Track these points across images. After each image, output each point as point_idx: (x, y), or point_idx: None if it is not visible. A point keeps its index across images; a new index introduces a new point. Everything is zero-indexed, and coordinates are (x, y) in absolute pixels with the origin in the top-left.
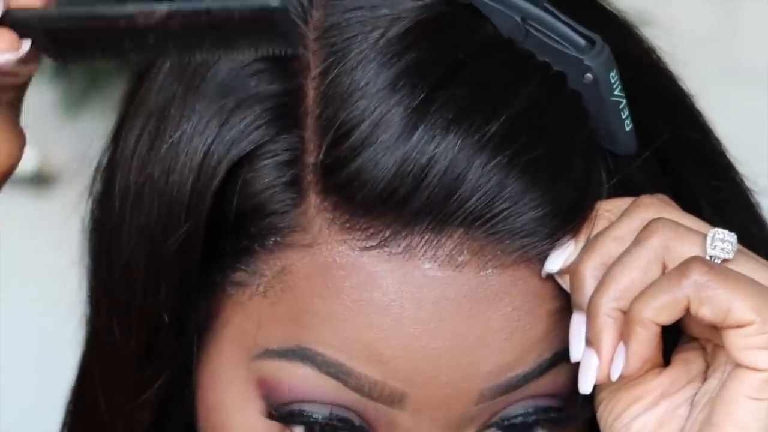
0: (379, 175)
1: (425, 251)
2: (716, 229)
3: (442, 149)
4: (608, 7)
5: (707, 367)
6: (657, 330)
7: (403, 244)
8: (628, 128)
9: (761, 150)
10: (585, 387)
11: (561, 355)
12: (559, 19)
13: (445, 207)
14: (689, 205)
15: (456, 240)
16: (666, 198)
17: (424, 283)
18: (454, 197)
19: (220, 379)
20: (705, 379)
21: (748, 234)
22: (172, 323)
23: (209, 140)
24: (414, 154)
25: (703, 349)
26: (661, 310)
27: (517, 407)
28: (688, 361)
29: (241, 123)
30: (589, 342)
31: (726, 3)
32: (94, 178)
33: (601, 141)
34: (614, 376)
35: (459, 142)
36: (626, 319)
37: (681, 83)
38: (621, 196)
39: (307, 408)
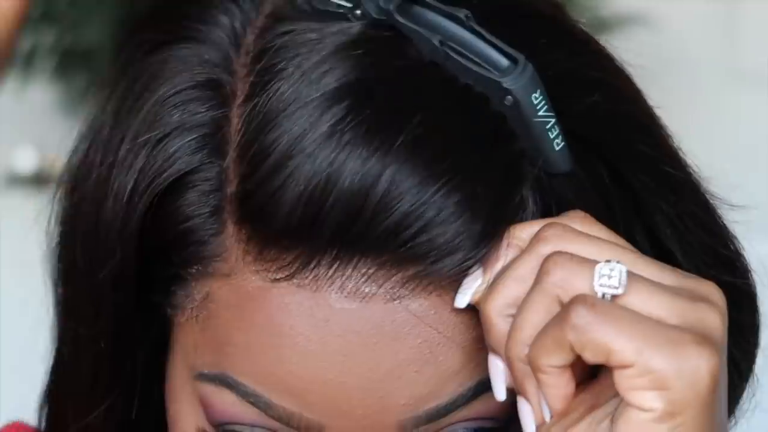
0: (284, 204)
1: (332, 282)
2: (601, 263)
3: (344, 174)
4: (561, 20)
5: None
6: (560, 371)
7: (311, 276)
8: (558, 147)
9: (761, 150)
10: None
11: (489, 383)
12: (484, 39)
13: (350, 233)
14: (646, 222)
15: (363, 270)
16: (578, 219)
17: (331, 315)
18: (358, 222)
19: (174, 392)
20: None
21: (709, 251)
22: (115, 349)
23: (137, 170)
24: (317, 181)
25: None
26: (551, 355)
27: (453, 429)
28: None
29: (165, 153)
30: (517, 391)
31: (726, 3)
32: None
33: (533, 161)
34: (546, 418)
35: (363, 165)
36: (530, 366)
37: (639, 95)
38: (557, 215)
39: (238, 429)
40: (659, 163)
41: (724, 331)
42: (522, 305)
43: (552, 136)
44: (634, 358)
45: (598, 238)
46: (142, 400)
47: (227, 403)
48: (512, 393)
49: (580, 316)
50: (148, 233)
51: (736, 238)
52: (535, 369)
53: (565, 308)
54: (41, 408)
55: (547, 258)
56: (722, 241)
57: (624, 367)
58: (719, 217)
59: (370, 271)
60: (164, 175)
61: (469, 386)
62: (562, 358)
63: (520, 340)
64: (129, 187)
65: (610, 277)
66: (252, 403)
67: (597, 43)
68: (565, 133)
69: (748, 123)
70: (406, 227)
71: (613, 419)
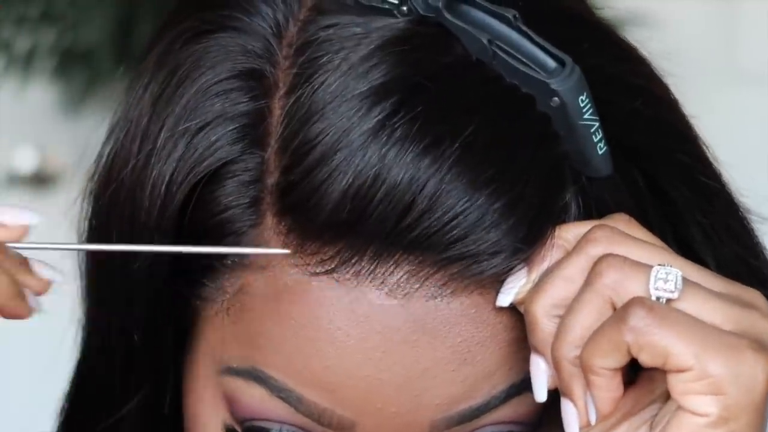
0: (330, 197)
1: (373, 278)
2: (658, 267)
3: (393, 170)
4: (604, 25)
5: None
6: (612, 373)
7: (352, 271)
8: (601, 151)
9: (761, 150)
10: None
11: (521, 386)
12: (532, 40)
13: (394, 231)
14: (680, 231)
15: (405, 267)
16: (622, 222)
17: (371, 311)
18: (404, 220)
19: (196, 390)
20: (667, 398)
21: (742, 261)
22: (147, 340)
23: (176, 159)
24: (363, 177)
25: None
26: (606, 356)
27: None
28: (653, 380)
29: (206, 142)
30: (562, 392)
31: (726, 3)
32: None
33: (575, 164)
34: (592, 421)
35: (409, 163)
36: (582, 367)
37: (678, 105)
38: (598, 219)
39: (265, 425)
40: (695, 172)
41: None
42: (572, 306)
43: (596, 140)
44: (691, 362)
45: (647, 242)
46: (173, 393)
47: (256, 399)
48: (550, 393)
49: (639, 318)
50: (185, 223)
51: (765, 248)
52: (587, 370)
53: (623, 310)
54: (62, 412)
55: (600, 259)
56: (754, 252)
57: (681, 371)
58: (751, 228)
59: (412, 268)
60: (204, 164)
61: (502, 389)
62: (616, 360)
63: (569, 341)
64: (167, 175)
65: (666, 281)
66: (282, 398)
67: (638, 51)
68: (608, 140)
69: (747, 123)
70: (451, 228)
71: (662, 424)
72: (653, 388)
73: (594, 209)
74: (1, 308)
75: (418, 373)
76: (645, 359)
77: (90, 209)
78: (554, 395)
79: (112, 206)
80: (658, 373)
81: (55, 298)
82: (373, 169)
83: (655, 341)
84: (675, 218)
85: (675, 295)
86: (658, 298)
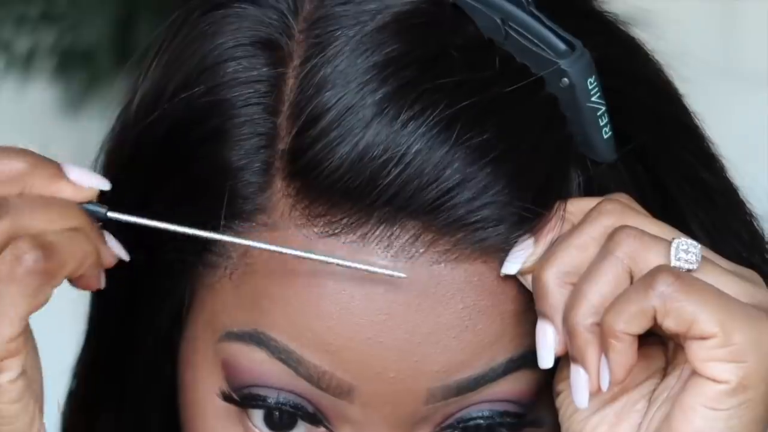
0: (338, 162)
1: (379, 241)
2: (679, 239)
3: (403, 139)
4: (615, 22)
5: (667, 362)
6: (632, 339)
7: (359, 233)
8: (606, 136)
9: (761, 150)
10: (581, 402)
11: (519, 362)
12: (543, 23)
13: (401, 196)
14: (680, 226)
15: (411, 231)
16: (628, 200)
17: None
18: (412, 186)
19: (193, 358)
20: (665, 374)
21: (744, 262)
22: (147, 307)
23: (182, 117)
24: (374, 142)
25: (664, 344)
26: (630, 321)
27: (474, 410)
28: (649, 356)
29: (217, 102)
30: (574, 359)
31: (726, 3)
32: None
33: (579, 147)
34: (604, 387)
35: (420, 132)
36: (601, 332)
37: (683, 102)
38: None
39: (262, 392)
40: (698, 169)
41: None
42: (590, 273)
43: (602, 124)
44: (716, 329)
45: (656, 219)
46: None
47: (255, 362)
48: (542, 378)
49: (667, 284)
50: (192, 186)
51: None
52: (609, 334)
53: (650, 276)
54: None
55: (618, 229)
56: (758, 253)
57: (704, 338)
58: (756, 229)
59: (418, 233)
60: (211, 123)
61: (501, 362)
62: (640, 325)
63: (587, 308)
64: (174, 130)
65: (687, 252)
66: (282, 360)
67: (646, 47)
68: (613, 129)
69: (748, 123)
70: (456, 194)
71: (668, 393)
72: (649, 365)
73: (596, 193)
74: (81, 276)
75: (419, 338)
76: (670, 325)
77: (104, 170)
78: (545, 378)
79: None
80: (654, 349)
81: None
82: (382, 137)
83: (683, 307)
84: (676, 213)
85: (695, 266)
86: (678, 269)
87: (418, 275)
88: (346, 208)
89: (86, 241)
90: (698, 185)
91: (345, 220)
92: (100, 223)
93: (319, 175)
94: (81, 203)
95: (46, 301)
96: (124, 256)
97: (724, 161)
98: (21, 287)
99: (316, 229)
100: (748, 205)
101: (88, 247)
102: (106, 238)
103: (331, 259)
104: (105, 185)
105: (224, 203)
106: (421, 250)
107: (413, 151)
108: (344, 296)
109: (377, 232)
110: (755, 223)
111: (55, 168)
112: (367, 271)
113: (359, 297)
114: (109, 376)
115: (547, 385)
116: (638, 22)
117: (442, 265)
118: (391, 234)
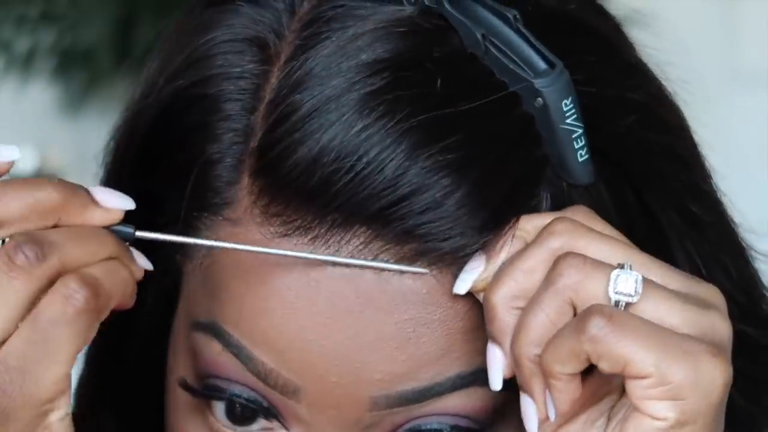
0: (296, 163)
1: (328, 246)
2: (618, 270)
3: (357, 145)
4: (616, 41)
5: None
6: (570, 377)
7: (309, 236)
8: (581, 159)
9: (761, 150)
10: (531, 430)
11: (470, 378)
12: (528, 41)
13: (352, 201)
14: (665, 254)
15: (361, 238)
16: (585, 215)
17: (323, 277)
18: (364, 192)
19: (174, 345)
20: (623, 390)
21: (729, 298)
22: (143, 293)
23: (164, 108)
24: (329, 147)
25: None
26: (565, 363)
27: (423, 422)
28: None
29: (199, 95)
30: (521, 387)
31: (726, 3)
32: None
33: (555, 168)
34: (552, 418)
35: (375, 140)
36: (541, 368)
37: (681, 128)
38: None
39: (219, 383)
40: (687, 200)
41: (730, 337)
42: (532, 305)
43: (576, 147)
44: (651, 369)
45: (609, 237)
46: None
47: (213, 353)
48: (501, 396)
49: (598, 327)
50: (176, 174)
51: (764, 287)
52: (546, 374)
53: (582, 318)
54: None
55: (561, 258)
56: (743, 288)
57: (640, 377)
58: (746, 265)
59: (368, 241)
60: (195, 114)
61: (448, 377)
62: (575, 366)
63: (529, 340)
64: (153, 120)
65: (626, 282)
66: (234, 354)
67: (649, 70)
68: (598, 152)
69: (747, 123)
70: (409, 204)
71: (617, 419)
72: (610, 380)
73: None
74: (119, 304)
75: (360, 345)
76: (604, 367)
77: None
78: (506, 395)
79: (112, 155)
80: None
81: None
82: (337, 142)
83: (614, 350)
84: (661, 240)
85: (634, 299)
86: (617, 302)
87: (364, 282)
88: (301, 210)
89: (124, 268)
90: (687, 216)
91: (298, 222)
92: (127, 243)
93: (277, 174)
94: (109, 226)
95: (92, 336)
96: (150, 266)
97: (721, 163)
98: (73, 328)
99: (272, 229)
100: (745, 245)
101: (127, 275)
102: (135, 256)
103: (339, 259)
104: (130, 204)
105: (198, 194)
106: (369, 258)
107: (367, 158)
108: (290, 296)
109: (328, 236)
110: (749, 263)
111: (86, 195)
112: (384, 269)
113: (304, 298)
114: (109, 369)
115: (512, 402)
116: (638, 22)
117: (390, 274)
118: (341, 239)
